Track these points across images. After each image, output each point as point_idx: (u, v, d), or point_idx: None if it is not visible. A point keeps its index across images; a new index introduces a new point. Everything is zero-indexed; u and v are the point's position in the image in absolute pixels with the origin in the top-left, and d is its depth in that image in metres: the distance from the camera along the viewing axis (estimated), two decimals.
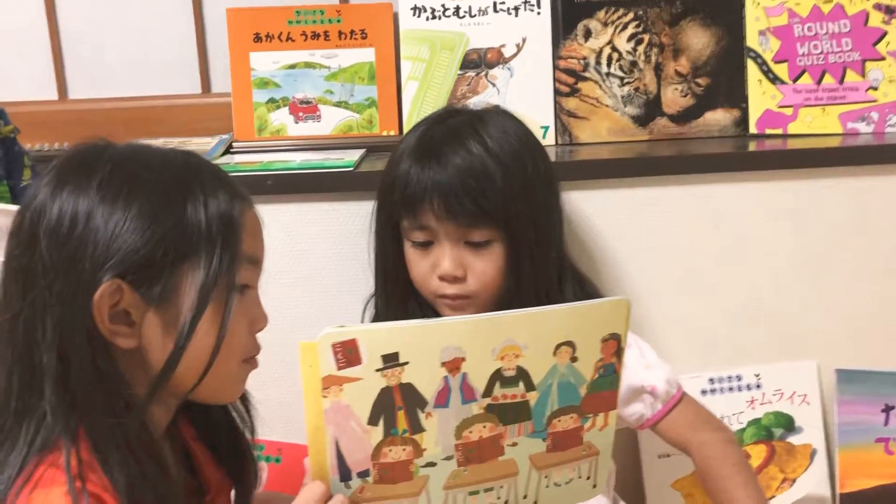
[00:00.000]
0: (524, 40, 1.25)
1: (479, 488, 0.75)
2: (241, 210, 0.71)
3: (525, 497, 0.78)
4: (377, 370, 0.67)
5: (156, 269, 0.67)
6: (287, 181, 1.13)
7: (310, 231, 1.15)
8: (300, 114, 1.28)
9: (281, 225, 1.14)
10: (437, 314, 1.01)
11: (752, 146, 1.21)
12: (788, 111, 1.24)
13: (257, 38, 1.27)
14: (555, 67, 1.25)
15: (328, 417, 0.67)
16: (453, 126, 0.98)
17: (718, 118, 1.25)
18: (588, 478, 0.81)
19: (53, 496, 0.63)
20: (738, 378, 1.21)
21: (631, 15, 1.24)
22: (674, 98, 1.25)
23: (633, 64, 1.24)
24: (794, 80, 1.24)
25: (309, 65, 1.28)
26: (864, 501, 1.19)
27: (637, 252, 1.17)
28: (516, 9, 1.24)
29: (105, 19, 1.35)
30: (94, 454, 0.65)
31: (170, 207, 0.68)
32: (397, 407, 0.69)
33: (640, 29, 1.24)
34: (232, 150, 1.26)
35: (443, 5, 1.24)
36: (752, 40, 1.24)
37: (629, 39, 1.24)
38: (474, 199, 0.93)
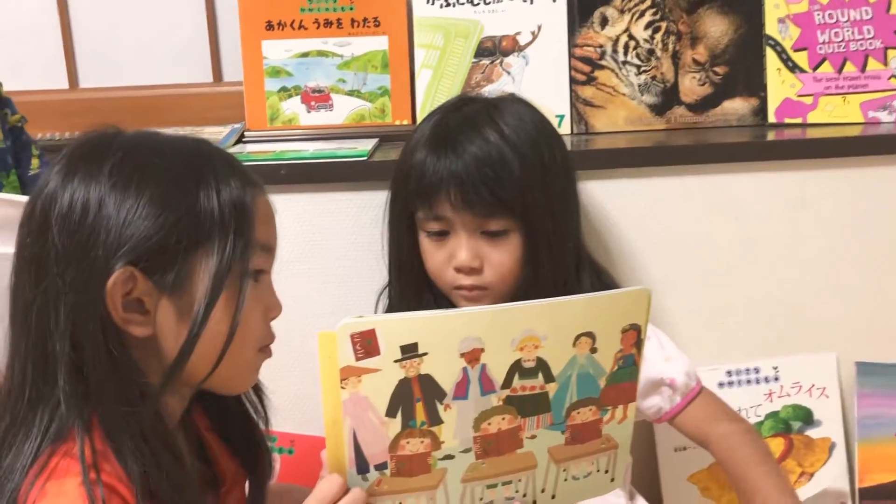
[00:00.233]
0: (539, 28, 1.23)
1: (497, 481, 0.74)
2: (254, 196, 0.71)
3: (543, 491, 0.77)
4: (396, 361, 0.66)
5: (169, 256, 0.66)
6: (300, 171, 1.12)
7: (323, 221, 1.14)
8: (312, 103, 1.26)
9: (294, 215, 1.13)
10: (451, 306, 1.00)
11: (771, 136, 1.19)
12: (808, 100, 1.22)
13: (269, 26, 1.25)
14: (571, 55, 1.23)
15: (346, 409, 0.66)
16: (469, 114, 0.97)
17: (736, 107, 1.24)
18: (606, 471, 0.80)
19: (68, 486, 0.63)
20: (756, 370, 1.19)
21: (648, 2, 1.22)
22: (691, 87, 1.23)
23: (651, 52, 1.23)
24: (815, 69, 1.22)
25: (321, 53, 1.26)
26: (884, 496, 1.17)
27: (654, 243, 1.16)
28: None
29: (116, 8, 1.34)
30: (108, 443, 0.65)
31: (182, 194, 0.67)
32: (416, 398, 0.68)
33: (658, 16, 1.22)
34: (244, 140, 1.25)
35: None
36: (771, 28, 1.22)
37: (646, 27, 1.23)
38: (491, 189, 0.92)
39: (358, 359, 0.65)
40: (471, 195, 0.92)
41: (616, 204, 1.15)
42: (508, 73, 1.24)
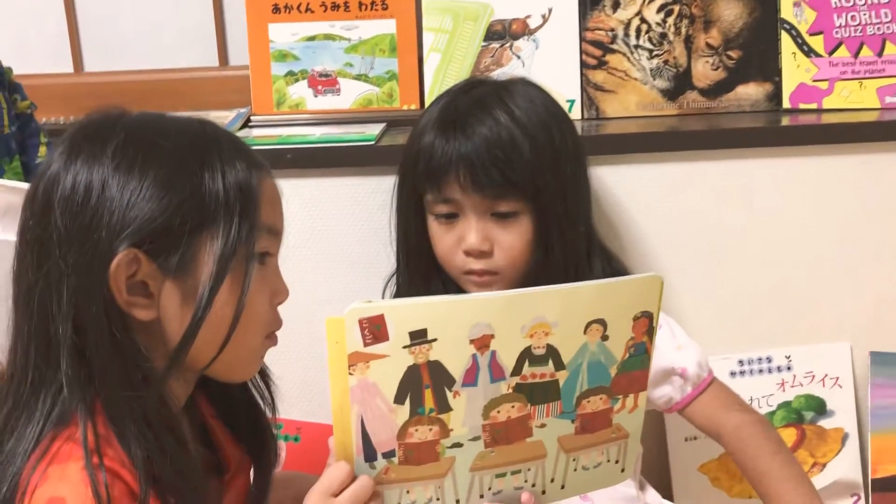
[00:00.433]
0: (550, 11, 1.21)
1: (506, 470, 0.73)
2: (260, 179, 0.70)
3: (552, 480, 0.76)
4: (404, 347, 0.65)
5: (173, 238, 0.65)
6: (307, 155, 1.11)
7: (330, 206, 1.13)
8: (319, 87, 1.25)
9: (301, 200, 1.12)
10: (460, 292, 0.98)
11: (786, 121, 1.17)
12: (824, 85, 1.20)
13: (276, 9, 1.24)
14: (581, 39, 1.21)
15: (354, 395, 0.65)
16: (478, 96, 0.96)
17: (750, 92, 1.22)
18: (617, 461, 0.79)
19: (70, 471, 0.62)
20: (769, 360, 1.18)
21: None
22: (704, 71, 1.21)
23: (663, 36, 1.21)
24: (830, 53, 1.19)
25: (328, 37, 1.25)
26: None
27: (666, 230, 1.14)
28: None
29: None
30: (111, 428, 0.64)
31: (186, 175, 0.66)
32: (424, 385, 0.67)
33: (671, 0, 1.20)
34: (250, 124, 1.24)
35: None
36: (786, 11, 1.20)
37: (659, 10, 1.20)
38: (502, 171, 0.90)
39: (366, 344, 0.64)
40: (480, 176, 0.90)
41: (627, 190, 1.13)
42: (518, 56, 1.22)
